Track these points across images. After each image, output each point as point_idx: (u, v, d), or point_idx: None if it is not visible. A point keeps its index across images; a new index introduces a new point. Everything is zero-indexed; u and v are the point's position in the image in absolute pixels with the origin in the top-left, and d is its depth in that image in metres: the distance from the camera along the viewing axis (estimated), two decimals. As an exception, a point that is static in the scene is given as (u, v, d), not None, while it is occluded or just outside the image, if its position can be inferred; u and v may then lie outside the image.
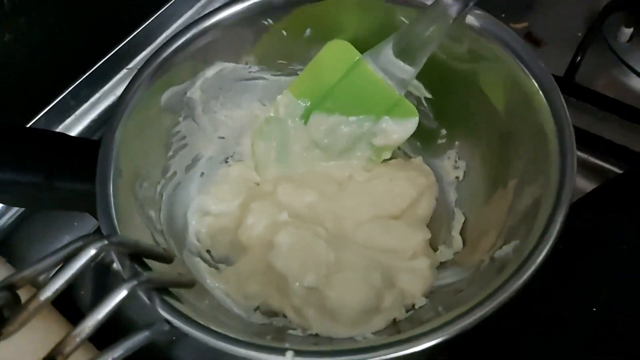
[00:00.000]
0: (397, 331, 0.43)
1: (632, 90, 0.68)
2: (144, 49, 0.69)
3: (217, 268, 0.50)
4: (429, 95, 0.53)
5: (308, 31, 0.51)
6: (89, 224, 0.62)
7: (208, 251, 0.52)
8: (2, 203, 0.58)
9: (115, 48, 0.66)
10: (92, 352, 0.49)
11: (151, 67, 0.46)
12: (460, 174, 0.53)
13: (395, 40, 0.48)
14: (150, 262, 0.38)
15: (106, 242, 0.33)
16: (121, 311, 0.33)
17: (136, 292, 0.33)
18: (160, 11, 0.69)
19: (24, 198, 0.47)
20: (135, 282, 0.32)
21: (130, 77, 0.61)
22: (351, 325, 0.44)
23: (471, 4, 0.44)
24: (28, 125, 0.62)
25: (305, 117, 0.53)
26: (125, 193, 0.43)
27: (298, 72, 0.54)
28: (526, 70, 0.43)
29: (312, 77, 0.52)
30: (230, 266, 0.51)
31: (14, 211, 0.61)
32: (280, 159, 0.55)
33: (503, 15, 0.76)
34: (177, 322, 0.35)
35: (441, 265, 0.50)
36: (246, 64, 0.52)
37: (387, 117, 0.51)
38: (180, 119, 0.51)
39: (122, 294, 0.32)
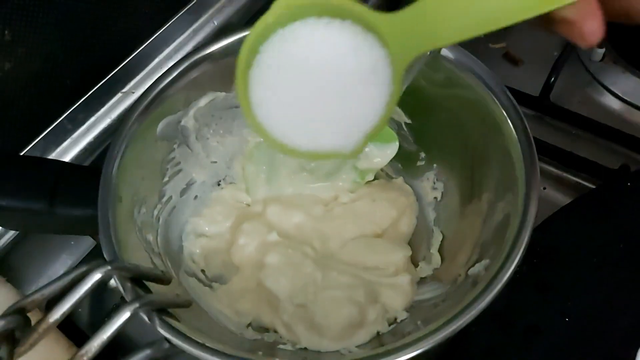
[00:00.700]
0: (380, 344, 0.46)
1: (605, 107, 0.71)
2: (137, 74, 0.70)
3: (211, 287, 0.53)
4: (408, 121, 0.56)
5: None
6: (86, 243, 0.64)
7: (202, 271, 0.54)
8: (5, 227, 0.59)
9: (110, 73, 0.68)
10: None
11: (147, 99, 0.48)
12: (438, 194, 0.56)
13: None
14: (149, 284, 0.41)
15: (109, 267, 0.36)
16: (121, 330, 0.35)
17: (138, 314, 0.35)
18: (153, 37, 0.70)
19: (26, 223, 0.48)
20: (137, 305, 0.35)
21: (125, 101, 0.65)
22: (337, 339, 0.46)
23: None
24: (27, 148, 0.63)
25: (293, 142, 0.55)
26: (125, 219, 0.46)
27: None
28: (496, 100, 0.46)
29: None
30: (223, 285, 0.53)
31: (13, 232, 0.61)
32: (269, 182, 0.57)
33: (482, 35, 0.78)
34: (175, 341, 0.38)
35: (421, 281, 0.52)
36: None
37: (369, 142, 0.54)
38: (175, 146, 0.53)
39: (125, 315, 0.34)
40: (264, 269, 0.50)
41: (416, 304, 0.50)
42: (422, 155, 0.57)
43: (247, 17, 0.76)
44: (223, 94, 0.54)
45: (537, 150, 0.44)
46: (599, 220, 0.57)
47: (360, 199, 0.56)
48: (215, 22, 0.74)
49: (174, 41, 0.73)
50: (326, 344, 0.46)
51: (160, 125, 0.51)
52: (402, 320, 0.49)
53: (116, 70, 0.69)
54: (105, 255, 0.42)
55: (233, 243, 0.54)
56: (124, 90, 0.70)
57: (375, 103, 0.38)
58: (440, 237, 0.54)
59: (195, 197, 0.57)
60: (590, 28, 0.30)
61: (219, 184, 0.59)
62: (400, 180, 0.58)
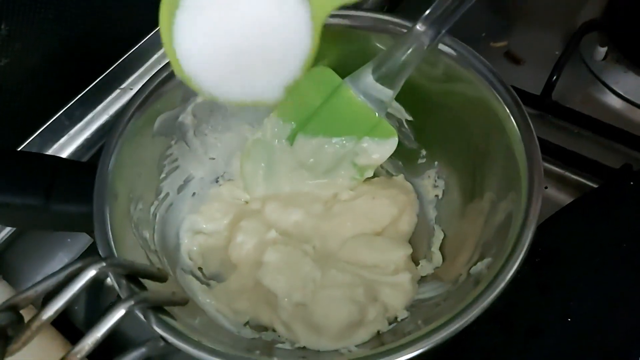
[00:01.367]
0: (380, 343, 0.45)
1: (607, 106, 0.71)
2: (136, 70, 0.69)
3: (208, 285, 0.52)
4: (409, 118, 0.56)
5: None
6: (82, 240, 0.64)
7: (200, 268, 0.54)
8: (0, 224, 0.59)
9: (108, 69, 0.67)
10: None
11: (144, 94, 0.48)
12: (440, 192, 0.56)
13: (374, 65, 0.50)
14: (145, 282, 0.40)
15: (104, 264, 0.35)
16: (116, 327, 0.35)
17: (133, 311, 0.35)
18: (152, 33, 0.70)
19: (21, 220, 0.48)
20: (132, 302, 0.34)
21: (123, 98, 0.64)
22: (336, 338, 0.46)
23: (443, 31, 0.46)
24: (24, 144, 0.63)
25: (291, 138, 0.55)
26: (121, 215, 0.45)
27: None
28: (499, 98, 0.46)
29: (296, 101, 0.54)
30: (220, 283, 0.53)
31: (9, 228, 0.61)
32: (267, 179, 0.57)
33: (483, 34, 0.78)
34: (171, 339, 0.37)
35: (422, 280, 0.52)
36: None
37: (368, 137, 0.54)
38: (173, 142, 0.53)
39: (120, 313, 0.34)
40: (262, 267, 0.50)
41: (417, 302, 0.49)
42: (423, 152, 0.57)
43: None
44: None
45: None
46: (601, 219, 0.57)
47: (360, 197, 0.55)
48: (215, 19, 0.73)
49: (172, 38, 0.72)
50: (325, 343, 0.46)
51: (158, 121, 0.50)
52: (402, 319, 0.48)
53: (114, 66, 0.68)
54: (100, 252, 0.41)
55: (231, 241, 0.53)
56: (122, 86, 0.69)
57: (296, 55, 0.42)
58: (442, 236, 0.54)
59: (193, 194, 0.56)
60: None
61: (217, 181, 0.58)
62: (400, 177, 0.58)
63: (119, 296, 0.54)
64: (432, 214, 0.56)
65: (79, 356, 0.33)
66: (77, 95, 0.66)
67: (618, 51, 0.73)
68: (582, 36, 0.73)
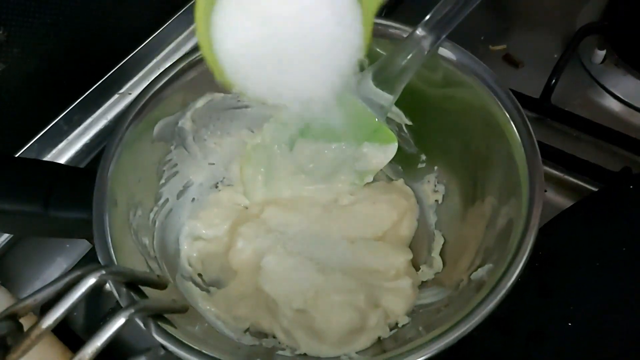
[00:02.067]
0: (381, 350, 0.45)
1: (605, 109, 0.71)
2: (134, 75, 0.69)
3: (208, 291, 0.52)
4: (409, 123, 0.56)
5: (293, 62, 0.53)
6: (81, 246, 0.64)
7: (199, 275, 0.53)
8: (2, 231, 0.59)
9: (106, 74, 0.67)
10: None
11: (144, 99, 0.48)
12: (440, 197, 0.56)
13: (374, 70, 0.50)
14: (145, 289, 0.40)
15: (104, 272, 0.35)
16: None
17: (133, 320, 0.34)
18: (150, 38, 0.70)
19: (20, 226, 0.48)
20: (132, 311, 0.34)
21: (122, 103, 0.64)
22: (337, 344, 0.46)
23: (443, 36, 0.47)
24: (22, 150, 0.62)
25: (291, 143, 0.55)
26: (121, 222, 0.45)
27: (285, 101, 0.56)
28: (499, 102, 0.46)
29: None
30: (220, 289, 0.52)
31: (7, 235, 0.61)
32: (267, 184, 0.57)
33: (482, 37, 0.78)
34: (172, 347, 0.37)
35: (423, 285, 0.52)
36: (235, 93, 0.53)
37: (368, 142, 0.54)
38: (172, 147, 0.53)
39: (120, 321, 0.34)
40: (262, 273, 0.50)
41: (418, 308, 0.49)
42: (423, 157, 0.57)
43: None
44: (221, 94, 0.53)
45: (539, 153, 0.44)
46: (602, 223, 0.57)
47: (360, 202, 0.55)
48: (212, 24, 0.73)
49: (171, 42, 0.72)
50: (326, 350, 0.45)
51: (157, 127, 0.50)
52: (403, 325, 0.48)
53: (113, 71, 0.68)
54: (100, 260, 0.41)
55: (231, 246, 0.53)
56: (120, 91, 0.69)
57: (348, 53, 0.39)
58: (442, 241, 0.54)
59: (193, 199, 0.56)
60: None
61: (216, 187, 0.58)
62: (400, 182, 0.58)
63: (118, 304, 0.55)
64: (432, 218, 0.56)
65: (79, 365, 0.32)
66: (76, 101, 0.66)
67: (616, 54, 0.74)
68: (581, 39, 0.73)
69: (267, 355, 0.46)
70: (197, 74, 0.50)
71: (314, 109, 0.43)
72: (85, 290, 0.34)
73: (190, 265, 0.53)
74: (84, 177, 0.46)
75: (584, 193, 0.63)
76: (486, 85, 0.47)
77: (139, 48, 0.70)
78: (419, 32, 0.46)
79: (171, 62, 0.69)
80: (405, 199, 0.56)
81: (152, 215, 0.51)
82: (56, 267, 0.64)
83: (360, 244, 0.53)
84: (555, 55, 0.74)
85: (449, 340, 0.38)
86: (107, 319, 0.54)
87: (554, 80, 0.69)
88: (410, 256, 0.53)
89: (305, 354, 0.46)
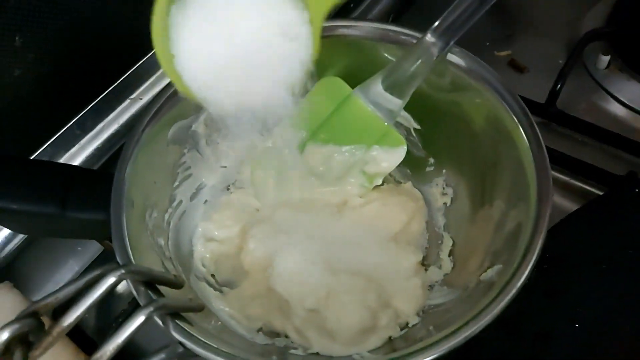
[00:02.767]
0: (392, 349, 0.46)
1: (610, 114, 0.72)
2: (146, 80, 0.70)
3: (221, 291, 0.53)
4: (417, 126, 0.57)
5: (303, 68, 0.54)
6: (92, 248, 0.64)
7: (213, 275, 0.54)
8: (17, 232, 0.59)
9: (118, 79, 0.68)
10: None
11: (159, 102, 0.49)
12: (448, 200, 0.57)
13: (384, 75, 0.51)
14: (161, 288, 0.41)
15: (123, 271, 0.36)
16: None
17: (152, 318, 0.35)
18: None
19: (37, 228, 0.49)
20: (151, 309, 0.35)
21: (133, 107, 0.65)
22: (349, 344, 0.46)
23: (452, 42, 0.47)
24: (36, 153, 0.63)
25: (301, 147, 0.56)
26: (137, 223, 0.46)
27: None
28: (507, 107, 0.47)
29: (307, 110, 0.54)
30: (233, 289, 0.53)
31: (20, 237, 0.62)
32: (278, 186, 0.57)
33: (487, 43, 0.79)
34: (190, 345, 0.38)
35: (432, 286, 0.53)
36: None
37: (377, 146, 0.55)
38: (186, 150, 0.54)
39: (139, 320, 0.34)
40: (274, 273, 0.50)
41: (427, 308, 0.50)
42: (431, 160, 0.58)
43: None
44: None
45: (545, 157, 0.45)
46: (607, 226, 0.57)
47: (370, 203, 0.56)
48: (223, 29, 0.74)
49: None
50: (338, 349, 0.46)
51: (172, 130, 0.51)
52: (413, 325, 0.49)
53: (125, 76, 0.69)
54: (118, 259, 0.42)
55: (242, 248, 0.54)
56: (132, 96, 0.70)
57: (298, 57, 0.42)
58: (450, 243, 0.54)
59: (205, 201, 0.57)
60: None
61: (228, 189, 0.59)
62: (408, 185, 0.59)
63: (131, 303, 0.56)
64: (440, 221, 0.56)
65: (100, 362, 0.33)
66: (89, 105, 0.66)
67: (621, 60, 0.74)
68: (586, 45, 0.74)
69: (280, 354, 0.46)
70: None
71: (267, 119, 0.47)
72: (106, 289, 0.35)
73: (203, 265, 0.54)
74: (99, 178, 0.47)
75: (590, 197, 0.64)
76: (494, 90, 0.47)
77: (150, 54, 0.70)
78: (429, 38, 0.47)
79: None
80: (414, 202, 0.56)
81: (166, 216, 0.52)
82: (68, 269, 0.64)
83: (371, 245, 0.54)
84: (560, 61, 0.75)
85: (458, 340, 0.39)
86: (119, 320, 0.55)
87: (559, 86, 0.69)
88: (420, 257, 0.54)
89: (317, 353, 0.47)
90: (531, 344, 0.51)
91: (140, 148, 0.47)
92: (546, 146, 0.45)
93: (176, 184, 0.54)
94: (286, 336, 0.49)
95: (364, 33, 0.51)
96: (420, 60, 0.48)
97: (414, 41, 0.49)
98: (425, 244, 0.56)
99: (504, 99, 0.47)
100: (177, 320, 0.39)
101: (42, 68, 0.60)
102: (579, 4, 0.81)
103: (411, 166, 0.58)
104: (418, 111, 0.55)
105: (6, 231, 0.61)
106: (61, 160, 0.65)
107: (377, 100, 0.52)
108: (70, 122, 0.66)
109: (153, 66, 0.71)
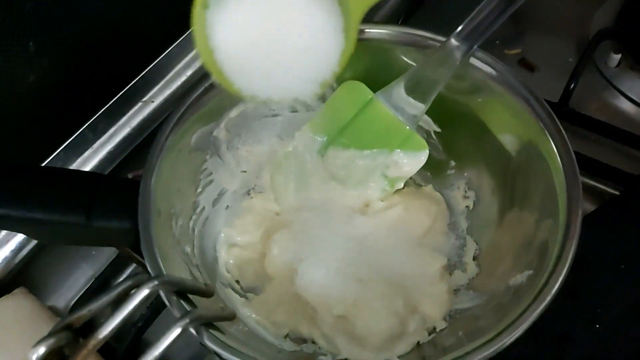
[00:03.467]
0: (420, 355, 0.46)
1: (621, 113, 0.72)
2: (157, 83, 0.70)
3: (246, 298, 0.53)
4: (438, 129, 0.57)
5: (325, 72, 0.54)
6: (107, 253, 0.64)
7: (237, 281, 0.54)
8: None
9: (130, 83, 0.68)
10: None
11: (180, 110, 0.48)
12: (470, 203, 0.57)
13: (406, 79, 0.51)
14: (192, 297, 0.40)
15: (157, 282, 0.35)
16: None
17: (188, 329, 0.35)
18: (172, 47, 0.70)
19: (62, 236, 0.48)
20: (187, 320, 0.35)
21: (145, 110, 0.65)
22: (378, 350, 0.46)
23: (475, 46, 0.47)
24: (49, 159, 0.63)
25: (322, 151, 0.56)
26: (164, 232, 0.46)
27: (315, 110, 0.57)
28: (531, 111, 0.47)
29: (328, 114, 0.55)
30: (258, 295, 0.53)
31: (33, 242, 0.61)
32: (298, 191, 0.57)
33: (497, 42, 0.79)
34: (226, 354, 0.38)
35: (458, 290, 0.52)
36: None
37: (399, 150, 0.54)
38: (207, 156, 0.54)
39: (176, 331, 0.34)
40: (299, 279, 0.50)
41: (454, 313, 0.50)
42: (452, 164, 0.58)
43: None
44: (253, 104, 0.54)
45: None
46: (625, 226, 0.58)
47: (392, 207, 0.56)
48: (233, 32, 0.74)
49: (191, 51, 0.73)
50: (367, 355, 0.46)
51: (195, 137, 0.51)
52: (441, 330, 0.49)
53: (136, 79, 0.69)
54: (149, 270, 0.41)
55: (265, 253, 0.54)
56: (143, 99, 0.70)
57: (332, 52, 0.42)
58: (474, 246, 0.54)
59: (227, 207, 0.57)
60: None
61: (248, 194, 0.59)
62: (429, 188, 0.59)
63: (155, 307, 0.55)
64: (463, 224, 0.56)
65: (139, 375, 0.33)
66: (101, 109, 0.66)
67: (631, 58, 0.74)
68: (598, 44, 0.73)
69: (309, 360, 0.47)
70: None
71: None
72: (140, 301, 0.35)
73: (227, 271, 0.54)
74: (124, 186, 0.46)
75: (605, 196, 0.64)
76: (518, 94, 0.47)
77: (161, 57, 0.70)
78: (452, 41, 0.47)
79: (192, 70, 0.71)
80: (435, 205, 0.56)
81: (191, 223, 0.52)
82: (82, 274, 0.64)
83: (396, 249, 0.54)
84: (570, 59, 0.75)
85: (492, 351, 0.39)
86: (138, 324, 0.55)
87: (572, 85, 0.69)
88: (444, 261, 0.53)
89: (346, 359, 0.47)
90: (553, 346, 0.52)
91: (163, 156, 0.47)
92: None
93: (199, 190, 0.54)
94: (313, 342, 0.49)
95: (386, 36, 0.51)
96: (443, 64, 0.48)
97: (438, 45, 0.48)
98: (448, 248, 0.56)
99: (529, 102, 0.47)
100: (210, 330, 0.38)
101: (56, 73, 0.60)
102: (589, 2, 0.81)
103: (431, 169, 0.58)
104: (438, 114, 0.55)
105: (19, 237, 0.61)
106: (74, 165, 0.65)
107: (399, 105, 0.52)
108: (82, 126, 0.65)
109: (164, 69, 0.71)
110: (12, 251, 0.61)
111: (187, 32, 0.71)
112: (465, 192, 0.57)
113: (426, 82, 0.49)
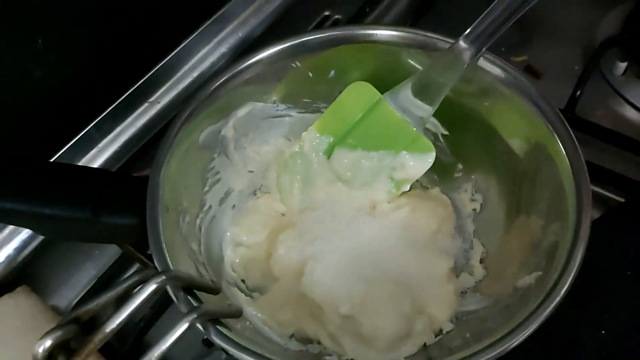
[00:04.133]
0: (427, 356, 0.46)
1: (627, 121, 0.72)
2: (164, 84, 0.70)
3: (252, 297, 0.52)
4: (445, 132, 0.57)
5: (332, 73, 0.54)
6: (110, 252, 0.64)
7: (243, 281, 0.54)
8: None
9: (136, 83, 0.68)
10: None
11: (190, 108, 0.48)
12: (477, 206, 0.56)
13: (414, 81, 0.51)
14: (198, 294, 0.40)
15: (164, 277, 0.35)
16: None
17: (195, 325, 0.35)
18: (178, 48, 0.70)
19: (70, 233, 0.48)
20: (194, 316, 0.35)
21: (151, 111, 0.65)
22: (385, 350, 0.46)
23: (483, 49, 0.47)
24: (55, 157, 0.63)
25: (329, 152, 0.56)
26: (172, 228, 0.45)
27: (322, 110, 0.57)
28: (541, 115, 0.47)
29: (335, 115, 0.55)
30: (263, 295, 0.53)
31: (37, 240, 0.62)
32: (304, 191, 0.57)
33: (503, 49, 0.79)
34: (233, 351, 0.38)
35: (465, 292, 0.52)
36: (274, 102, 0.55)
37: (405, 152, 0.54)
38: (215, 155, 0.54)
39: (183, 326, 0.34)
40: (305, 279, 0.50)
41: (461, 315, 0.50)
42: (460, 166, 0.58)
43: (272, 29, 0.77)
44: (262, 104, 0.55)
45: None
46: (631, 233, 0.58)
47: (399, 209, 0.56)
48: (240, 34, 0.74)
49: (198, 52, 0.73)
50: (374, 356, 0.46)
51: (203, 135, 0.51)
52: (448, 332, 0.49)
53: (142, 80, 0.69)
54: (157, 266, 0.41)
55: (271, 253, 0.54)
56: (150, 100, 0.70)
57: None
58: (481, 249, 0.54)
59: (233, 206, 0.57)
60: None
61: (254, 194, 0.59)
62: (436, 190, 0.58)
63: (158, 307, 0.55)
64: (470, 227, 0.56)
65: (146, 368, 0.33)
66: (107, 109, 0.66)
67: (637, 66, 0.74)
68: (604, 52, 0.74)
69: (315, 360, 0.46)
70: (241, 82, 0.51)
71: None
72: (147, 296, 0.35)
73: (233, 270, 0.54)
74: (132, 183, 0.46)
75: (610, 203, 0.64)
76: (528, 98, 0.47)
77: (168, 58, 0.70)
78: (461, 44, 0.47)
79: (199, 72, 0.71)
80: (442, 207, 0.56)
81: (198, 221, 0.51)
82: (85, 273, 0.64)
83: (403, 251, 0.53)
84: (576, 67, 0.75)
85: (497, 352, 0.39)
86: (140, 324, 0.55)
87: (578, 92, 0.69)
88: (452, 263, 0.53)
89: (352, 360, 0.47)
90: (559, 350, 0.52)
91: (173, 153, 0.47)
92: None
93: (206, 188, 0.53)
94: (319, 342, 0.49)
95: (395, 38, 0.51)
96: (451, 67, 0.48)
97: (446, 47, 0.48)
98: (455, 250, 0.56)
99: (539, 107, 0.47)
100: (217, 326, 0.38)
101: (63, 71, 0.60)
102: (595, 10, 0.81)
103: (438, 172, 0.58)
104: (446, 117, 0.55)
105: (23, 235, 0.61)
106: (79, 163, 0.64)
107: (407, 107, 0.52)
108: (89, 125, 0.65)
109: (170, 70, 0.72)
110: (15, 249, 0.60)
111: (195, 34, 0.71)
112: (473, 195, 0.57)
113: (434, 84, 0.49)
